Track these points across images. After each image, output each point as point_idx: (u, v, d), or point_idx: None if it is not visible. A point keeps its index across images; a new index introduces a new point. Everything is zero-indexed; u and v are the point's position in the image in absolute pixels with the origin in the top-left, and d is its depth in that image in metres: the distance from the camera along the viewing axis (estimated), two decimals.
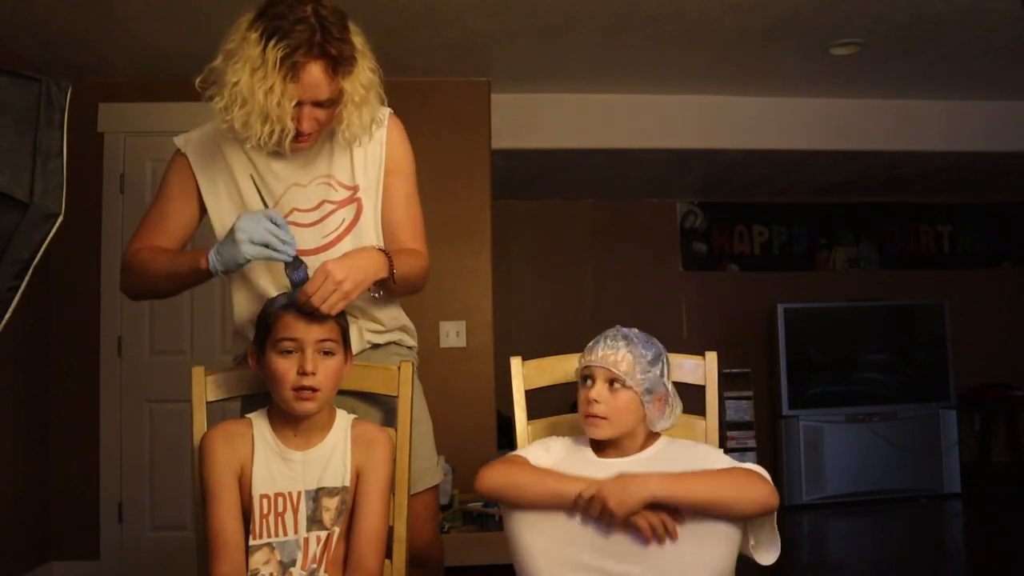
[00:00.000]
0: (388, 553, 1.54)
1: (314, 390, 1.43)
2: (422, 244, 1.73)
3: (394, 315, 1.78)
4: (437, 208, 3.67)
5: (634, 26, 3.16)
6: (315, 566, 1.45)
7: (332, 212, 1.66)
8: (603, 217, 5.54)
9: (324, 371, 1.44)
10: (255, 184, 1.61)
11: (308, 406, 1.44)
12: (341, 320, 1.50)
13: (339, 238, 1.65)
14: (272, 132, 1.48)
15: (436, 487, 1.81)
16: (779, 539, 1.43)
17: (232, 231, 1.46)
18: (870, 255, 5.77)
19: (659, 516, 1.36)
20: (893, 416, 4.89)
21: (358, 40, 1.53)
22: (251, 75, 1.44)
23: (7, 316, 1.37)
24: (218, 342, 3.51)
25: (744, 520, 1.41)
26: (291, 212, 1.63)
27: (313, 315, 1.44)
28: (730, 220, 5.67)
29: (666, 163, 4.52)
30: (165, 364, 3.48)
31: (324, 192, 1.65)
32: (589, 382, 1.51)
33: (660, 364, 1.52)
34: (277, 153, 1.59)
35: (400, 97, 3.89)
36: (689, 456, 1.51)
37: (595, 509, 1.36)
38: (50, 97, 1.40)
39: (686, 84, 3.91)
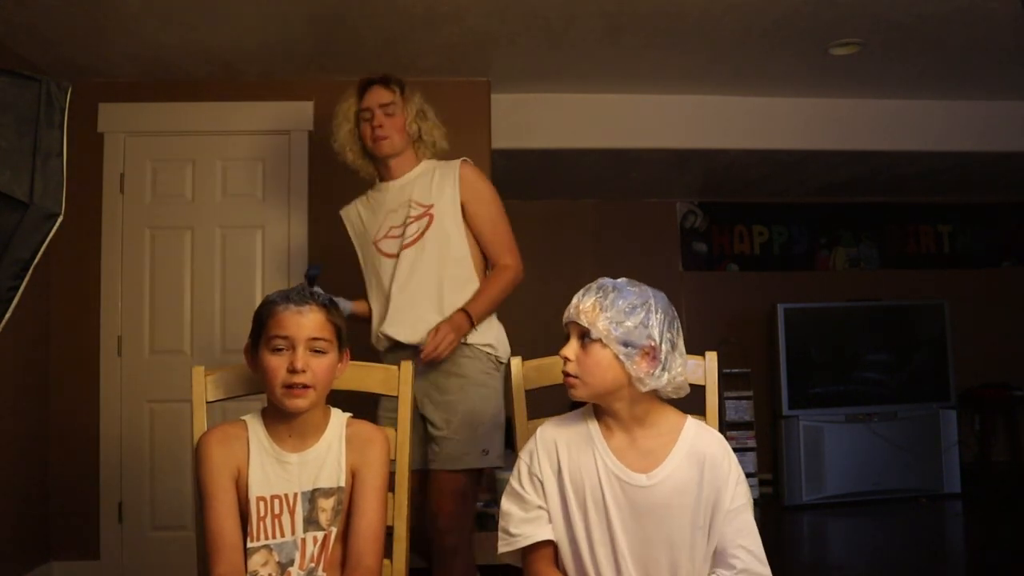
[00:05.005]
0: (388, 552, 1.54)
1: (305, 387, 1.43)
2: (510, 254, 2.31)
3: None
4: None
5: (634, 26, 3.16)
6: (313, 565, 1.45)
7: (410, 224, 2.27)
8: (603, 217, 5.54)
9: (315, 369, 1.44)
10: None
11: (299, 403, 1.44)
12: (336, 319, 1.51)
13: (413, 242, 2.25)
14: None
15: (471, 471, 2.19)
16: None
17: None
18: (870, 255, 5.77)
19: None
20: (893, 416, 4.88)
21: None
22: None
23: (7, 316, 1.37)
24: (218, 342, 3.51)
25: None
26: (389, 229, 2.31)
27: (304, 307, 1.46)
28: (730, 220, 5.67)
29: (666, 163, 4.52)
30: (165, 364, 3.48)
31: (407, 211, 2.28)
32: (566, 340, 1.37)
33: (643, 314, 1.34)
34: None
35: None
36: (716, 474, 1.39)
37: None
38: (50, 97, 1.40)
39: (686, 84, 3.91)
